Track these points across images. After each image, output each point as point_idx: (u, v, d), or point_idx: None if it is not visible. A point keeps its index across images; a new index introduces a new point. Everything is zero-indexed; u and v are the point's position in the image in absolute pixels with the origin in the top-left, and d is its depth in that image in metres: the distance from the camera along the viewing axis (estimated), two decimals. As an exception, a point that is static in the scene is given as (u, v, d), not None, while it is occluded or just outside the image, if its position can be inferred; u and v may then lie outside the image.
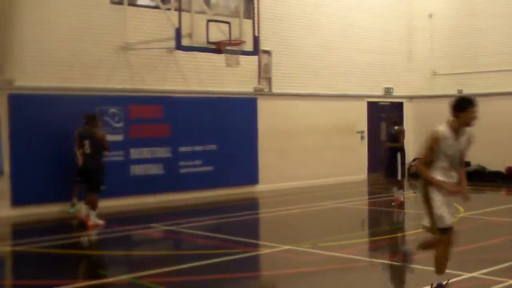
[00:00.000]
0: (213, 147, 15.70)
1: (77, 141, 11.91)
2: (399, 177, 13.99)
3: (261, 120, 16.74)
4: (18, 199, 12.66)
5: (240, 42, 13.44)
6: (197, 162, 15.39)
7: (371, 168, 19.47)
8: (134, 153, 14.31)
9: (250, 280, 8.04)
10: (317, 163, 18.00)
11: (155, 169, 14.65)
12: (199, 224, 11.87)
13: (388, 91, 20.36)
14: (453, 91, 19.52)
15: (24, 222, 12.17)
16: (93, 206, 11.48)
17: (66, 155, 12.67)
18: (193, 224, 11.79)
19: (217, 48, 13.22)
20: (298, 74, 17.65)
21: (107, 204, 12.80)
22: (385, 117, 19.69)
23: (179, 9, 12.83)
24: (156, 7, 14.41)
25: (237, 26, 13.49)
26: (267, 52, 16.71)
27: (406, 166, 19.90)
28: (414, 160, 20.50)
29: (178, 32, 12.69)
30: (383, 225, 12.54)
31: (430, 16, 20.21)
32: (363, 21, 19.29)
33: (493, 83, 18.55)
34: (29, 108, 12.76)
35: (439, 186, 6.24)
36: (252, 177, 16.56)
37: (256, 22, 14.03)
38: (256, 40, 13.90)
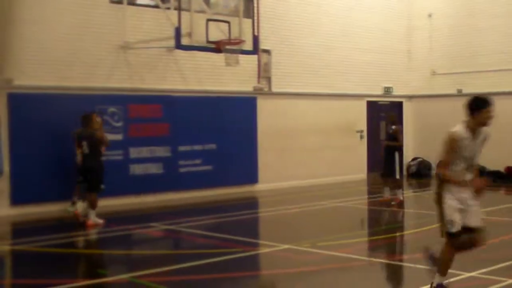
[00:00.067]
0: (213, 146, 15.70)
1: (76, 142, 11.93)
2: (397, 176, 14.01)
3: (260, 119, 16.74)
4: (17, 198, 12.66)
5: (240, 41, 13.43)
6: (197, 161, 15.39)
7: (371, 167, 19.47)
8: (134, 152, 14.30)
9: (250, 279, 8.04)
10: (316, 163, 18.01)
11: (154, 168, 14.65)
12: (199, 223, 11.87)
13: (387, 90, 20.36)
14: (453, 91, 19.56)
15: (24, 221, 12.17)
16: (92, 205, 11.50)
17: (66, 154, 12.66)
18: (192, 223, 11.79)
19: (217, 47, 13.21)
20: (297, 73, 17.65)
21: (107, 204, 12.81)
22: (384, 116, 19.69)
23: (179, 8, 12.82)
24: (156, 6, 14.40)
25: (237, 25, 13.48)
26: (267, 51, 16.70)
27: (405, 166, 20.06)
28: (413, 159, 20.58)
29: (177, 31, 12.69)
30: (382, 225, 12.54)
31: (430, 15, 20.21)
32: (363, 21, 19.29)
33: (493, 82, 18.54)
34: (29, 107, 12.76)
35: (462, 184, 6.16)
36: (251, 177, 16.56)
37: (255, 21, 14.02)
38: (255, 39, 13.89)
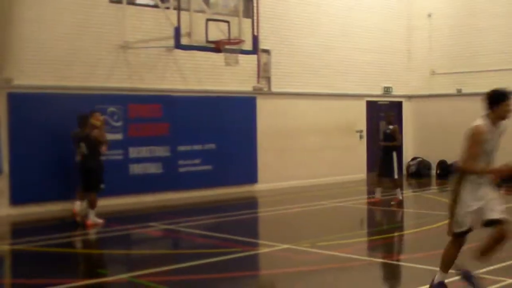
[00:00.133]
0: (212, 146, 15.69)
1: (75, 143, 11.93)
2: (395, 176, 14.00)
3: (260, 119, 16.73)
4: (17, 198, 12.65)
5: (239, 41, 13.43)
6: (196, 161, 15.39)
7: (370, 167, 19.45)
8: (133, 152, 14.30)
9: (249, 279, 8.04)
10: (316, 162, 18.00)
11: (154, 168, 14.64)
12: (198, 223, 11.87)
13: (387, 90, 20.36)
14: (452, 91, 19.58)
15: (23, 221, 12.17)
16: (92, 205, 11.50)
17: (65, 154, 12.64)
18: (192, 223, 11.79)
19: (216, 47, 13.21)
20: (297, 73, 17.64)
21: (106, 203, 12.80)
22: (384, 116, 19.69)
23: (178, 8, 12.82)
24: (155, 6, 14.40)
25: (236, 25, 13.48)
26: (267, 51, 16.69)
27: (404, 166, 20.06)
28: (413, 159, 20.58)
29: (177, 31, 12.68)
30: (382, 225, 12.54)
31: (429, 15, 20.21)
32: (362, 21, 19.29)
33: (493, 82, 18.28)
34: (28, 107, 12.75)
35: (495, 172, 6.08)
36: (251, 176, 16.56)
37: (255, 21, 14.01)
38: (255, 39, 13.89)
